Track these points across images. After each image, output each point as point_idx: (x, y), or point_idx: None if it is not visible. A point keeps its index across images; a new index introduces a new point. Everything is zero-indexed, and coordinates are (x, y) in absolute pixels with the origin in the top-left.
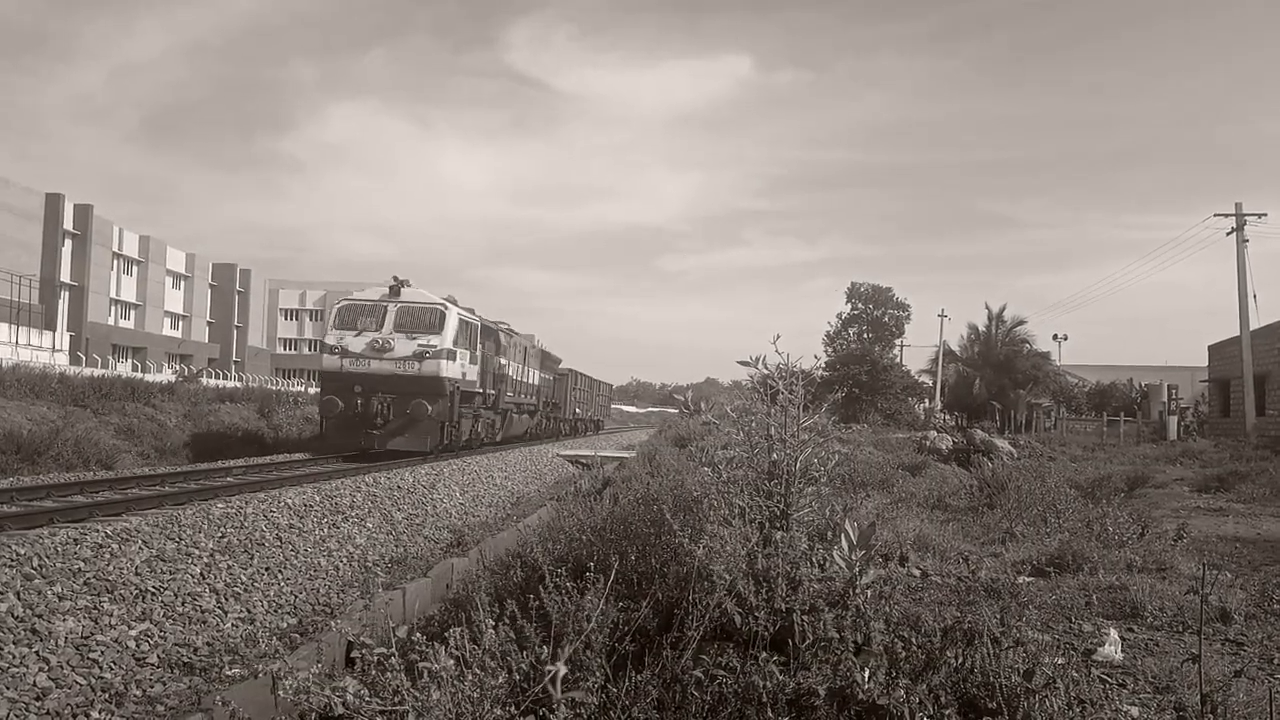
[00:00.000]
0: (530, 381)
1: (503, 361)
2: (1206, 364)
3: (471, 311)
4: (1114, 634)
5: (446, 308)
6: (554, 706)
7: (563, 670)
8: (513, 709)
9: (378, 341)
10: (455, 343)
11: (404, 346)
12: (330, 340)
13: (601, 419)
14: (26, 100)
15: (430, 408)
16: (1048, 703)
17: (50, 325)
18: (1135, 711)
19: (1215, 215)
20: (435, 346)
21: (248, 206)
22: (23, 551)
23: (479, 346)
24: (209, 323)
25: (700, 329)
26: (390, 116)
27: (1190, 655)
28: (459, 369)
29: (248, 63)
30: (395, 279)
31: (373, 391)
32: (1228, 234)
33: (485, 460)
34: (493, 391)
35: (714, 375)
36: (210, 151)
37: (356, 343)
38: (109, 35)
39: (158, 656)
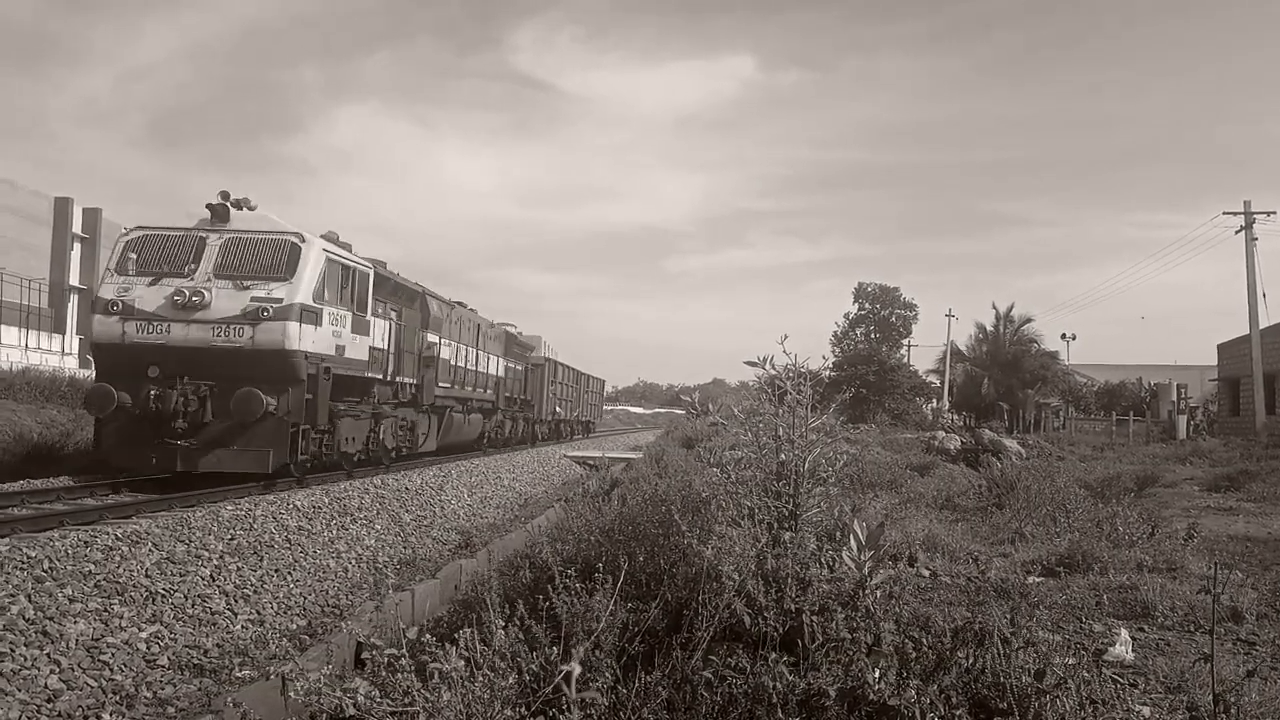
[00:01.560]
0: (485, 370)
1: (433, 339)
2: (1216, 363)
3: (383, 265)
4: (1125, 634)
5: (304, 240)
6: (566, 707)
7: (577, 669)
8: (523, 710)
9: (184, 294)
10: (320, 296)
11: (229, 301)
12: (106, 293)
13: (593, 420)
14: (33, 104)
15: (270, 401)
16: (1059, 703)
17: (60, 329)
18: (1147, 711)
19: (1224, 213)
20: (281, 301)
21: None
22: (34, 554)
23: (378, 310)
24: None
25: (705, 330)
26: (395, 119)
27: (1202, 655)
28: (328, 338)
29: (253, 66)
30: (223, 195)
31: (176, 375)
32: (1236, 232)
33: (492, 462)
34: (410, 380)
35: (720, 376)
36: (217, 154)
37: (150, 295)
38: (115, 39)
39: (168, 658)
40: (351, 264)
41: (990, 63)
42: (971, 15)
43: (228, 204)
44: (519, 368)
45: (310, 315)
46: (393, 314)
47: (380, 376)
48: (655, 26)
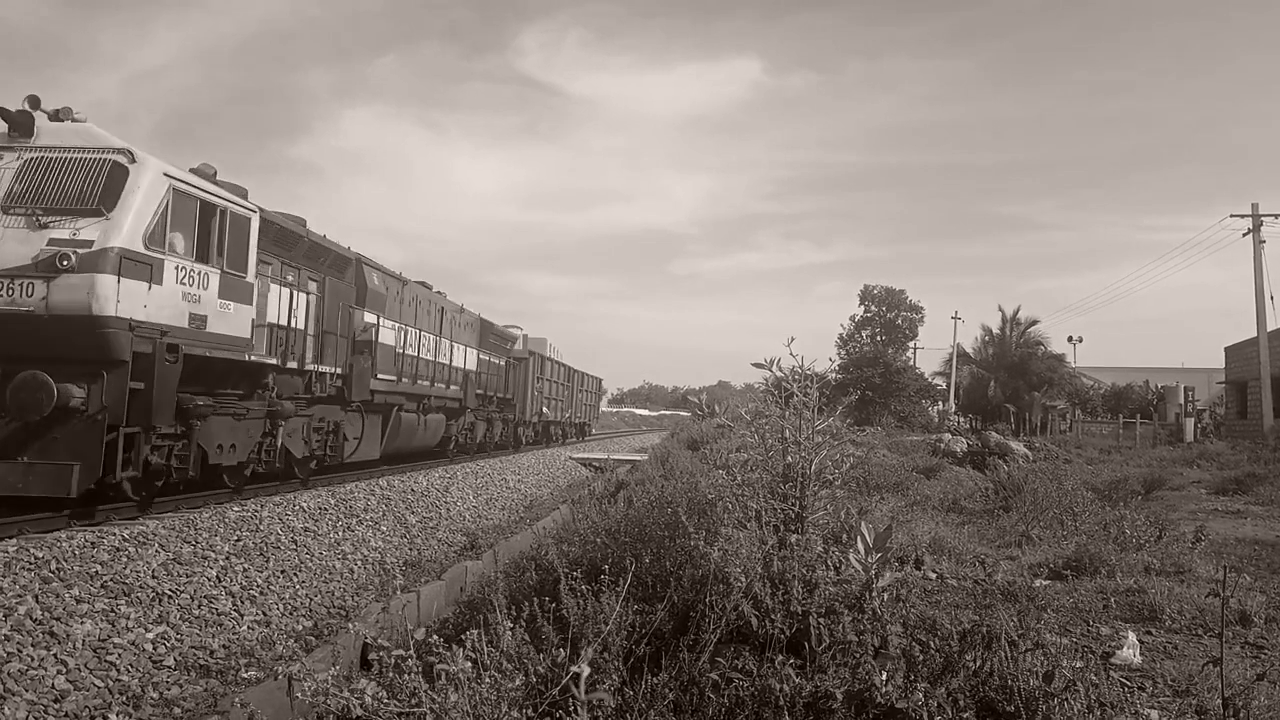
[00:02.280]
0: (450, 362)
1: (371, 320)
2: (1223, 365)
3: (300, 221)
4: (1132, 637)
5: (134, 160)
6: (573, 709)
7: (586, 670)
8: (529, 711)
9: None
10: (158, 241)
11: (19, 245)
12: None
13: (588, 422)
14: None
15: (75, 392)
16: (1067, 705)
17: None
18: (1155, 715)
19: (1232, 216)
20: (91, 244)
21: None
22: (41, 555)
23: (284, 276)
24: None
25: (712, 332)
26: (403, 122)
27: (1211, 658)
28: (174, 303)
29: (261, 69)
30: (30, 100)
31: None
32: (1244, 234)
33: (498, 464)
34: (334, 370)
35: (726, 378)
36: (225, 156)
37: None
38: (123, 42)
39: (174, 659)
40: (220, 203)
41: (997, 65)
42: (978, 18)
43: (33, 112)
44: (497, 361)
45: (137, 267)
46: (311, 284)
47: (279, 363)
48: (662, 29)
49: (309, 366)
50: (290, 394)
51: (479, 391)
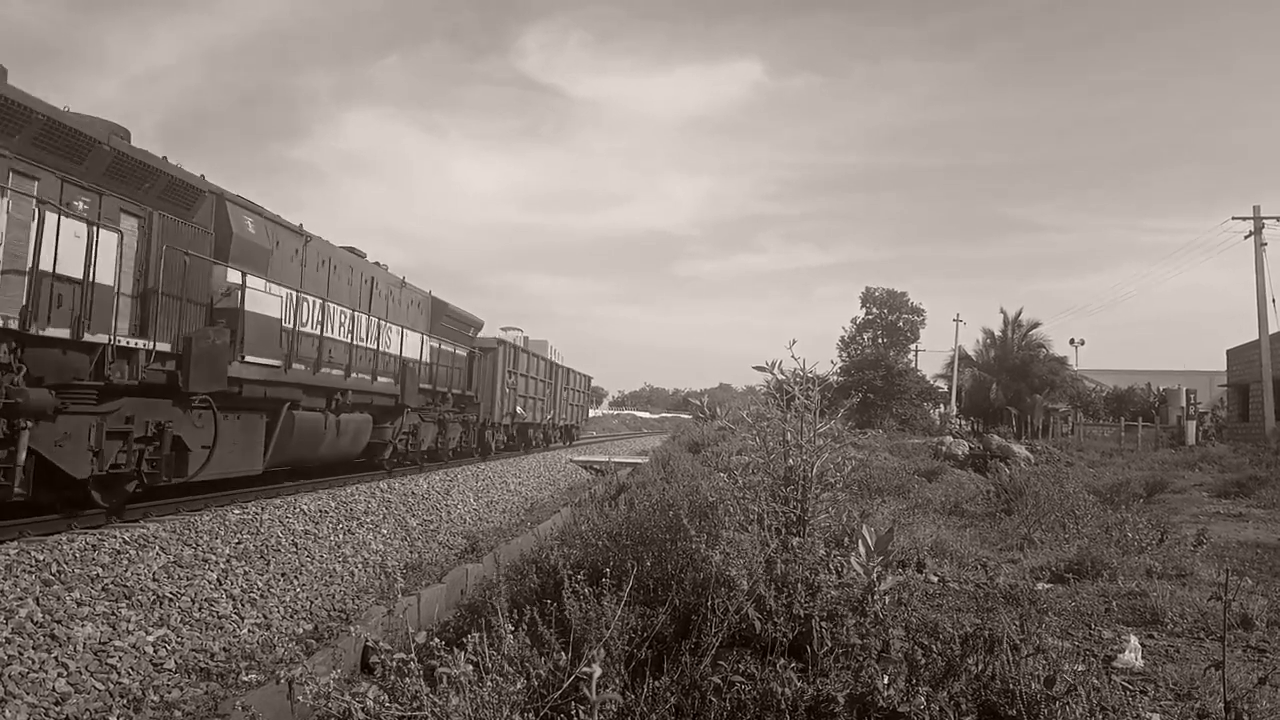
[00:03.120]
0: (377, 347)
1: (235, 278)
2: (1225, 368)
3: (123, 134)
4: (1134, 641)
5: None
6: (575, 713)
7: (598, 671)
8: (531, 715)
9: None
10: None
11: None
12: None
13: (576, 424)
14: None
15: None
16: (1069, 709)
17: None
18: (1157, 718)
19: (1233, 218)
20: None
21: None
22: (42, 558)
23: (57, 191)
24: None
25: (713, 334)
26: (405, 124)
27: (1213, 662)
28: None
29: (263, 70)
30: None
31: None
32: (1246, 237)
33: (499, 466)
34: (151, 345)
35: (727, 381)
36: (227, 157)
37: None
38: (126, 44)
39: (175, 662)
40: None
41: (999, 66)
42: (980, 20)
43: None
44: (455, 351)
45: None
46: (129, 220)
47: (20, 327)
48: (663, 31)
49: (116, 339)
50: (68, 378)
51: (425, 386)
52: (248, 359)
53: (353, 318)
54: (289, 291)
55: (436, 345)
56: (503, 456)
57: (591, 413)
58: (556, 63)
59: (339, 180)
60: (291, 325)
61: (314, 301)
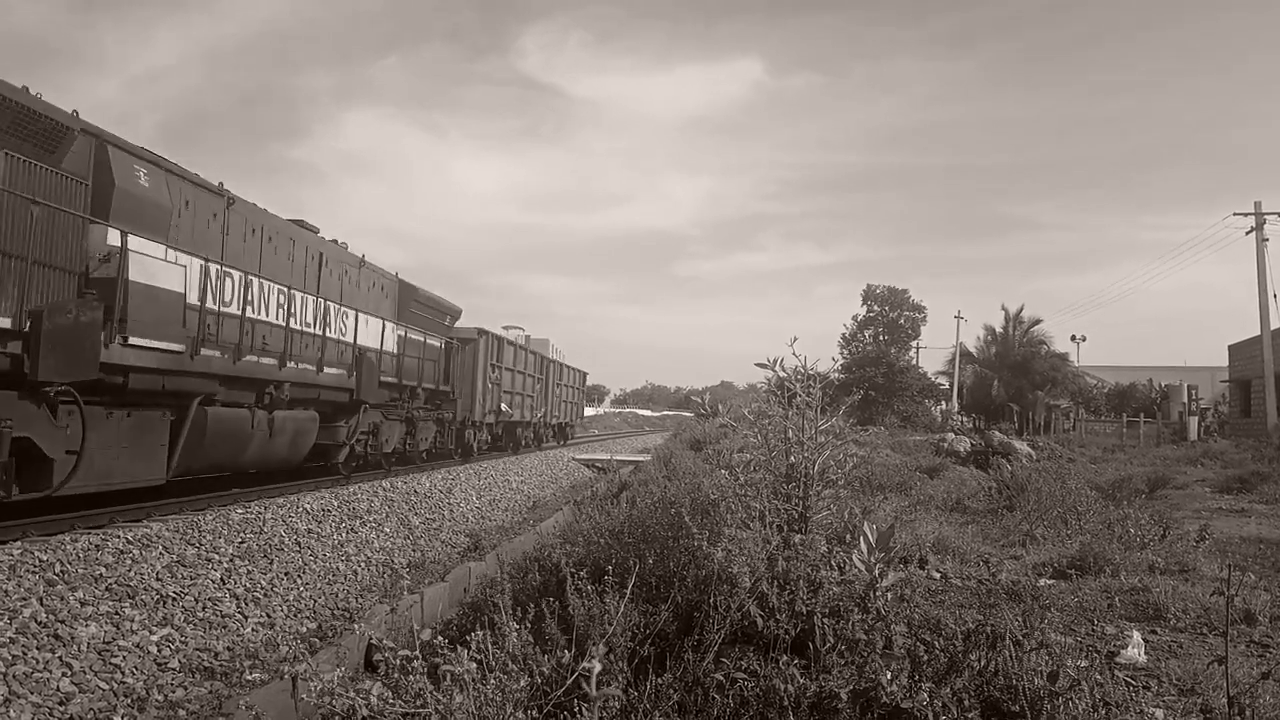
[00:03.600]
0: (322, 332)
1: (114, 239)
2: (1227, 364)
3: None
4: (1137, 636)
5: None
6: (578, 709)
7: (599, 667)
8: (534, 712)
9: None
10: None
11: None
12: None
13: (569, 423)
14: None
15: None
16: (1072, 705)
17: None
18: (1160, 714)
19: (1234, 214)
20: None
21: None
22: (45, 558)
23: None
24: None
25: (714, 333)
26: (404, 123)
27: (1216, 657)
28: None
29: (263, 71)
30: None
31: None
32: (1247, 233)
33: (501, 465)
34: None
35: (729, 379)
36: (227, 157)
37: None
38: (127, 44)
39: (179, 661)
40: None
41: (999, 65)
42: (980, 19)
43: None
44: (429, 342)
45: None
46: None
47: None
48: (663, 30)
49: None
50: None
51: (389, 379)
52: (133, 341)
53: (291, 297)
54: (201, 262)
55: (404, 334)
56: (488, 457)
57: (592, 411)
58: (556, 62)
59: (339, 180)
60: (203, 302)
61: (237, 276)
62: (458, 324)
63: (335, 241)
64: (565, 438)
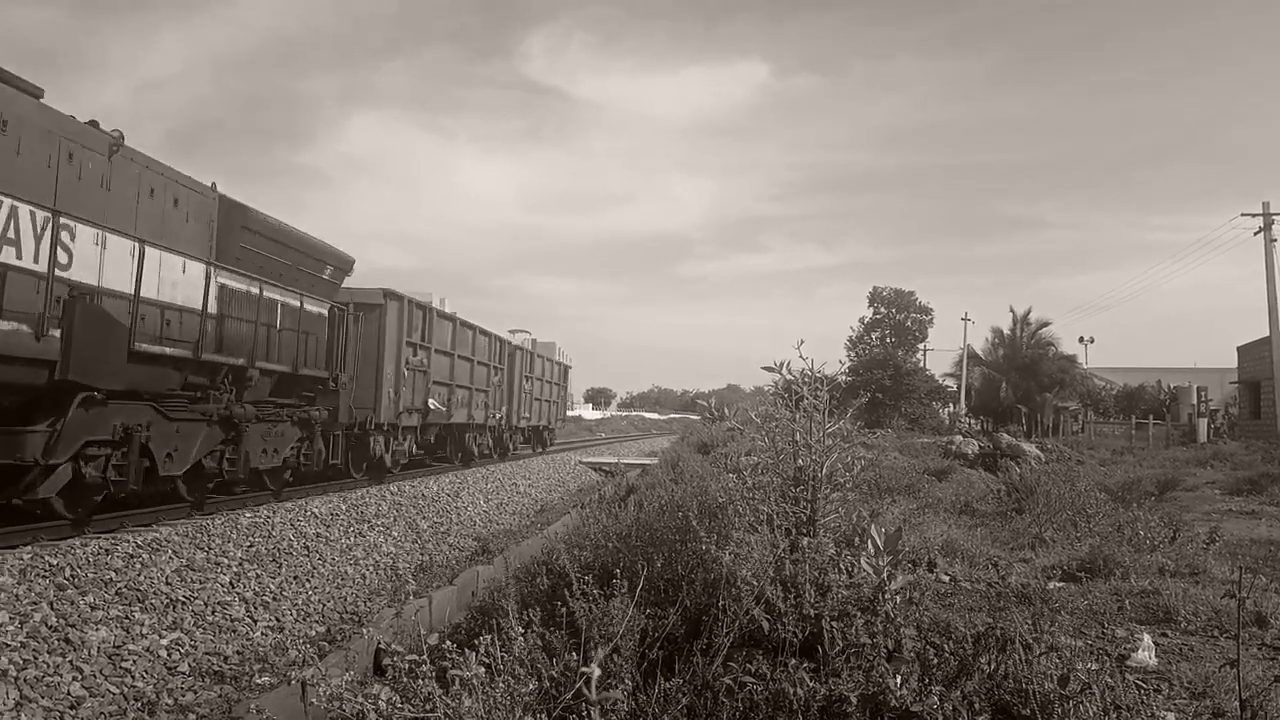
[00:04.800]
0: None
1: None
2: (1236, 365)
3: None
4: (1148, 639)
5: None
6: (586, 713)
7: (597, 672)
8: (544, 716)
9: None
10: None
11: None
12: None
13: (547, 424)
14: None
15: None
16: (1083, 708)
17: None
18: (1172, 717)
19: (1243, 215)
20: None
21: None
22: (55, 562)
23: None
24: None
25: (720, 335)
26: (409, 126)
27: (1227, 660)
28: None
29: (269, 76)
30: None
31: None
32: (1256, 233)
33: (508, 468)
34: None
35: (735, 381)
36: (234, 162)
37: None
38: (132, 51)
39: (189, 665)
40: None
41: (1004, 65)
42: (984, 18)
43: None
44: (287, 302)
45: None
46: None
47: None
48: (667, 32)
49: None
50: None
51: (182, 351)
52: None
53: None
54: None
55: (227, 283)
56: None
57: (599, 414)
58: (560, 65)
59: (344, 184)
60: None
61: None
62: (352, 285)
63: (37, 98)
64: (543, 443)
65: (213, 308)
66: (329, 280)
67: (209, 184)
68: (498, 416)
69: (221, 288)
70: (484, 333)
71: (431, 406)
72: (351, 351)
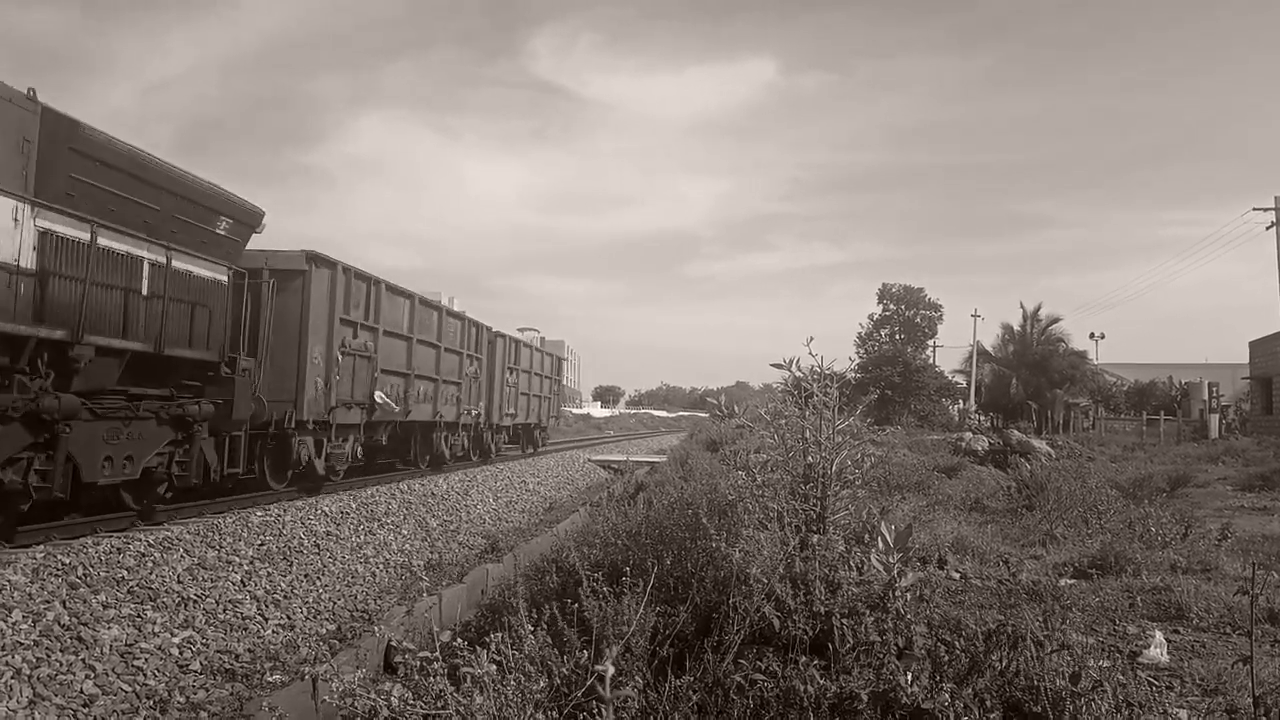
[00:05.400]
0: None
1: None
2: (1248, 361)
3: None
4: (1159, 636)
5: None
6: (597, 710)
7: (611, 670)
8: (554, 713)
9: None
10: None
11: None
12: None
13: (539, 423)
14: None
15: None
16: (1094, 706)
17: None
18: (1184, 714)
19: (1254, 209)
20: None
21: (282, 221)
22: (68, 561)
23: None
24: None
25: (728, 334)
26: (416, 126)
27: (1240, 657)
28: None
29: (276, 77)
30: None
31: None
32: (1267, 228)
33: (518, 466)
34: None
35: (744, 379)
36: (242, 164)
37: None
38: (140, 52)
39: (200, 663)
40: None
41: (1012, 63)
42: (991, 16)
43: None
44: (189, 270)
45: None
46: None
47: None
48: (674, 31)
49: None
50: None
51: None
52: None
53: None
54: None
55: (54, 228)
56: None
57: (607, 412)
58: (567, 64)
59: (351, 184)
60: None
61: None
62: (260, 246)
63: None
64: (534, 443)
65: (27, 261)
66: (227, 237)
67: (24, 91)
68: (474, 413)
69: (44, 235)
70: (454, 315)
71: (379, 401)
72: (264, 330)
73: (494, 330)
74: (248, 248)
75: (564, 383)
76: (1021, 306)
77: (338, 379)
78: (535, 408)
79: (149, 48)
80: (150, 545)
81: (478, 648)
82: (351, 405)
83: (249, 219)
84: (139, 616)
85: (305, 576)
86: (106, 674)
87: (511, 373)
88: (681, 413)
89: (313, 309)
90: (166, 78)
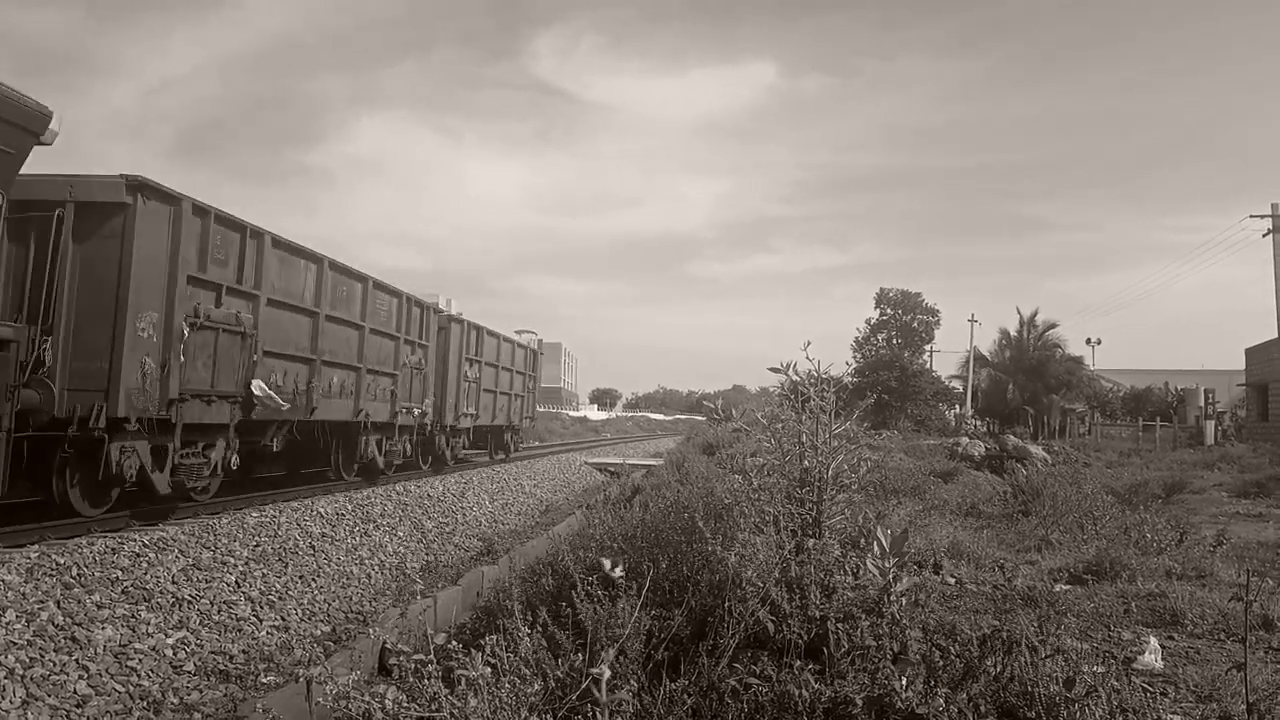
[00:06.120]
0: None
1: None
2: (1244, 367)
3: None
4: (1154, 642)
5: None
6: (592, 714)
7: (607, 673)
8: (549, 716)
9: None
10: None
11: None
12: None
13: (510, 424)
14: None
15: None
16: (1089, 711)
17: None
18: None
19: (1251, 216)
20: None
21: (282, 221)
22: (62, 561)
23: None
24: None
25: (726, 336)
26: (417, 127)
27: (1234, 663)
28: None
29: (278, 78)
30: None
31: None
32: (1264, 235)
33: (514, 469)
34: None
35: (741, 382)
36: (243, 164)
37: None
38: (142, 53)
39: (194, 664)
40: None
41: (1012, 65)
42: (992, 18)
43: None
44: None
45: None
46: None
47: None
48: (676, 33)
49: None
50: None
51: None
52: None
53: None
54: None
55: None
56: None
57: (604, 415)
58: (569, 66)
59: (352, 184)
60: None
61: None
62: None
63: None
64: (504, 448)
65: None
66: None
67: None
68: (417, 412)
69: None
70: (387, 290)
71: (258, 393)
72: (59, 286)
73: (447, 313)
74: (43, 171)
75: (539, 378)
76: (1018, 312)
77: (183, 361)
78: (504, 407)
79: (150, 48)
80: (145, 546)
81: (473, 650)
82: (213, 398)
83: (21, 119)
84: (133, 617)
85: (300, 578)
86: (100, 674)
87: (472, 365)
88: (678, 416)
89: (139, 260)
90: (167, 78)
